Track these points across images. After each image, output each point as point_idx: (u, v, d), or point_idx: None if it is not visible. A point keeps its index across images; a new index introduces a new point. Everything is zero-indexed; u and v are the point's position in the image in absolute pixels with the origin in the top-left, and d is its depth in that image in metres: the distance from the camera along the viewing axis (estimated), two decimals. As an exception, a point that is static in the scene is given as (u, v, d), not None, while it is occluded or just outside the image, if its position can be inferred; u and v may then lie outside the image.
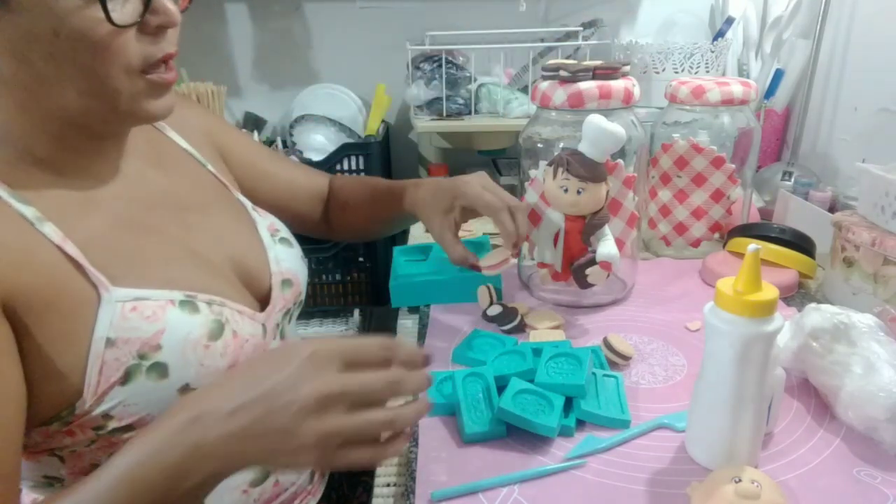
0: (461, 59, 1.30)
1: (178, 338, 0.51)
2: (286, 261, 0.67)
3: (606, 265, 0.75)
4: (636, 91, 0.78)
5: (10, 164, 0.50)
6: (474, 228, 1.22)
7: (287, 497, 0.64)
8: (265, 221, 0.69)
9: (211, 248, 0.60)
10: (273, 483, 0.62)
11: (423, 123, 1.27)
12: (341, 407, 0.41)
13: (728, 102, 0.92)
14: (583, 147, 0.71)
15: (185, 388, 0.52)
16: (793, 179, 1.16)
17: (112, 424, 0.50)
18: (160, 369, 0.50)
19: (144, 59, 0.49)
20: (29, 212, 0.48)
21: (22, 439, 0.46)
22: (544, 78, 0.81)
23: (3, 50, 0.45)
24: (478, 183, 0.72)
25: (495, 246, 1.08)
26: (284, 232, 0.71)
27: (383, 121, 1.36)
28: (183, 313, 0.52)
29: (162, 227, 0.57)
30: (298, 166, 0.85)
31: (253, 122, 1.45)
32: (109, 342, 0.48)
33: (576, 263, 0.76)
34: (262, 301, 0.63)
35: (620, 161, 0.80)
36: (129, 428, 0.51)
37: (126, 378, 0.49)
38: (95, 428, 0.50)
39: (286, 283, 0.65)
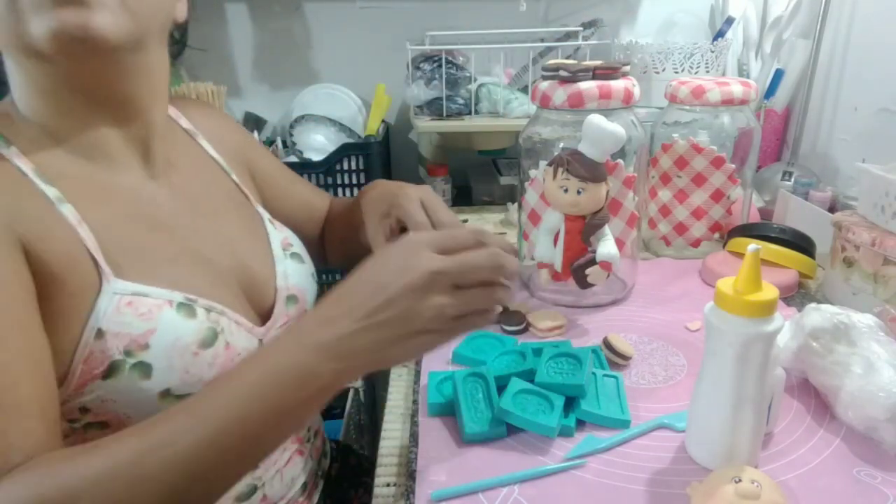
0: (461, 59, 1.29)
1: (167, 340, 0.50)
2: (294, 276, 0.65)
3: (606, 265, 0.75)
4: (636, 91, 0.78)
5: (37, 143, 0.50)
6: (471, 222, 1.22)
7: None
8: (279, 235, 0.68)
9: (218, 254, 0.59)
10: (260, 498, 0.60)
11: (423, 123, 1.27)
12: (448, 281, 0.44)
13: (728, 102, 0.92)
14: (583, 147, 0.71)
15: (166, 394, 0.51)
16: (793, 179, 1.16)
17: (87, 419, 0.50)
18: (144, 369, 0.49)
19: None
20: (51, 192, 0.49)
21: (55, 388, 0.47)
22: (544, 78, 0.81)
23: None
24: (416, 197, 0.66)
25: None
26: (297, 248, 0.69)
27: (383, 121, 1.35)
28: (178, 316, 0.51)
29: (173, 226, 0.57)
30: (312, 188, 0.84)
31: (253, 122, 1.44)
32: (100, 333, 0.48)
33: (576, 263, 0.76)
34: (264, 315, 0.62)
35: (620, 161, 0.80)
36: (103, 425, 0.50)
37: (108, 372, 0.48)
38: (71, 420, 0.50)
39: (291, 298, 0.64)
